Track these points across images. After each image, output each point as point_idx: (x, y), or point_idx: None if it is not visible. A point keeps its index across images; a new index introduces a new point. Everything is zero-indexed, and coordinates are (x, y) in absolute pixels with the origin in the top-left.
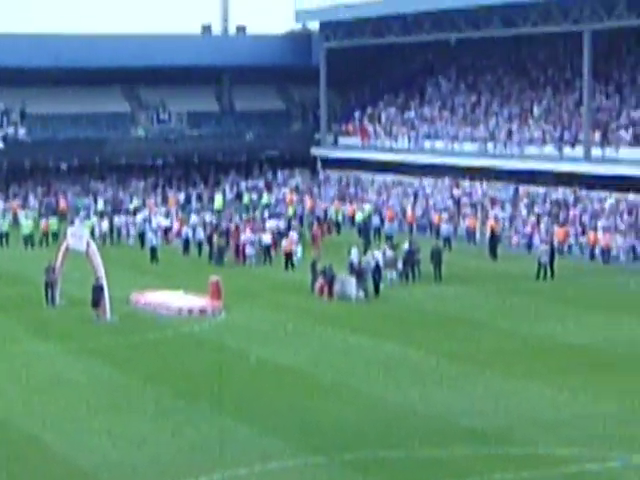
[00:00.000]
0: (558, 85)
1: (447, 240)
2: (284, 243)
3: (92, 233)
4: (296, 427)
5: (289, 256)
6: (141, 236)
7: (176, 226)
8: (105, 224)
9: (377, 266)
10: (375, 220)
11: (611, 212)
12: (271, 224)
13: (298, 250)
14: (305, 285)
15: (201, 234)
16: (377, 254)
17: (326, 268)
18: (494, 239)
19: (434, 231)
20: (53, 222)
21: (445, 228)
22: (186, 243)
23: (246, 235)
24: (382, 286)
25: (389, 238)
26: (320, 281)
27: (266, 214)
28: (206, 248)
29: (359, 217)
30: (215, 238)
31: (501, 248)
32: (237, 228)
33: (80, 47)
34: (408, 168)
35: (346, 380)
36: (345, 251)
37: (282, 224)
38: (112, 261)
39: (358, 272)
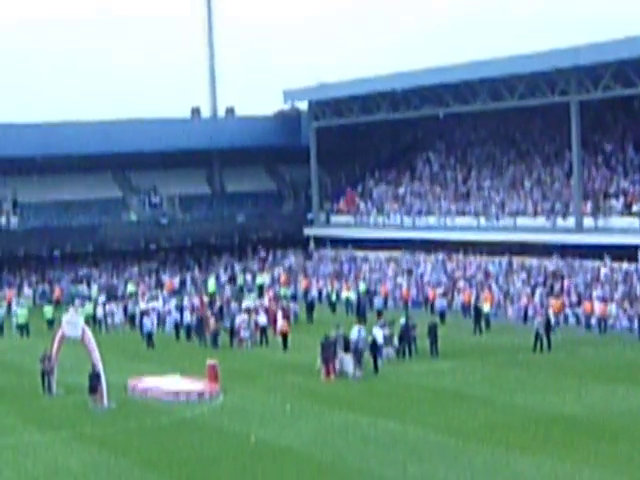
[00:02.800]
0: (548, 156)
1: (442, 315)
2: (280, 324)
3: (87, 320)
4: None
5: (285, 336)
6: (132, 319)
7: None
8: (100, 310)
9: (374, 343)
10: (369, 298)
11: (606, 281)
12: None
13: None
14: (301, 365)
15: (188, 318)
16: (375, 331)
17: (324, 346)
18: (485, 313)
19: (429, 306)
20: (48, 310)
21: (440, 303)
22: (176, 327)
23: (241, 317)
24: (380, 363)
25: (379, 313)
26: (319, 359)
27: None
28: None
29: (351, 295)
30: (210, 321)
31: (496, 321)
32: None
33: (70, 134)
34: (401, 244)
35: (344, 459)
36: (340, 330)
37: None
38: (108, 347)
39: (355, 350)
